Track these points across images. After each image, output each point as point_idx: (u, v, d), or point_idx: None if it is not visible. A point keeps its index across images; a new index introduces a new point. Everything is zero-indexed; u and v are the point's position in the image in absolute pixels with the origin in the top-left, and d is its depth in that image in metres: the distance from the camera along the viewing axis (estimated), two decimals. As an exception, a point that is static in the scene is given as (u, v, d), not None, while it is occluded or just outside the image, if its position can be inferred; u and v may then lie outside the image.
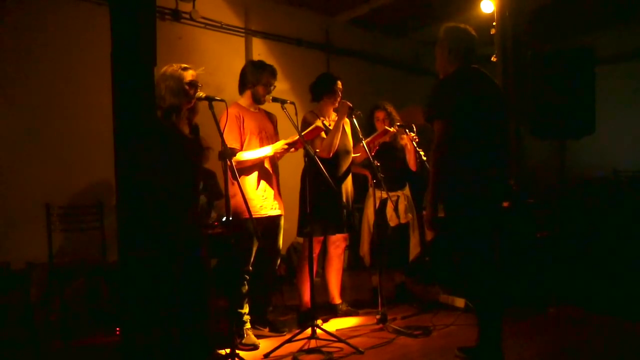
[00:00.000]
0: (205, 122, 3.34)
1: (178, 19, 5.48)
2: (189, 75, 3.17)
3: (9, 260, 4.14)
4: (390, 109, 4.66)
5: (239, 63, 3.94)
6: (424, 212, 3.32)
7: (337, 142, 4.07)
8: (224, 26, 5.89)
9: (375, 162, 4.02)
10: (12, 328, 4.00)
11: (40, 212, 4.16)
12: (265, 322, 3.94)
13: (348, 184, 4.28)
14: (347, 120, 4.21)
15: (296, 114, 3.58)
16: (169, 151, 3.00)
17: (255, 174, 3.73)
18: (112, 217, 4.18)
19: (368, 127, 4.65)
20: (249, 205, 3.24)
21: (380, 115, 4.67)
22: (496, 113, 3.14)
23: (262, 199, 3.73)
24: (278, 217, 3.86)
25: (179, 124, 3.18)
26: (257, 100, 3.81)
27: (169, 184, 2.97)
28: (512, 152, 4.99)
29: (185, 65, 3.20)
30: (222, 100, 3.20)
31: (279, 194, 3.89)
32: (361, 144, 4.07)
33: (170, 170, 2.98)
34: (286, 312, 4.50)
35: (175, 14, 5.45)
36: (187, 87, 3.15)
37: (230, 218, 3.20)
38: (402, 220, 4.55)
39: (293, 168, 4.26)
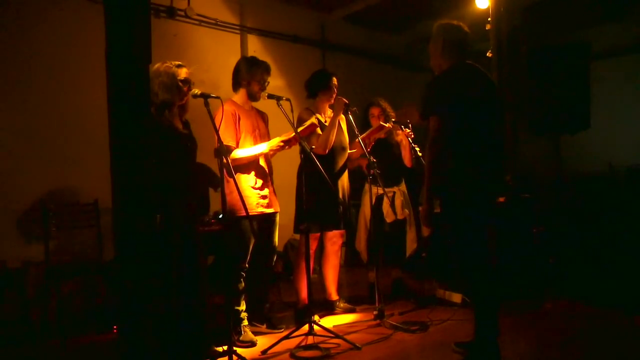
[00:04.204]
0: (201, 119, 3.33)
1: (173, 16, 5.46)
2: (182, 72, 3.19)
3: (5, 258, 4.13)
4: (385, 105, 4.67)
5: (235, 60, 3.93)
6: (421, 208, 3.32)
7: (332, 138, 4.07)
8: (219, 23, 5.87)
9: (372, 157, 4.03)
10: (9, 327, 3.99)
11: (36, 210, 4.15)
12: (262, 318, 3.94)
13: (344, 180, 4.28)
14: (342, 116, 4.21)
15: (292, 110, 3.57)
16: (164, 147, 3.01)
17: (252, 172, 3.74)
18: (108, 215, 4.16)
19: (363, 123, 4.65)
20: (246, 202, 3.24)
21: (375, 111, 4.67)
22: (491, 109, 3.14)
23: (258, 197, 3.73)
24: (274, 214, 3.86)
25: (172, 119, 3.19)
26: (252, 97, 3.80)
27: (164, 181, 2.97)
28: (507, 147, 5.00)
29: (179, 63, 3.22)
30: (217, 97, 3.21)
31: (274, 191, 3.90)
32: (357, 140, 4.08)
33: (165, 167, 2.98)
34: (283, 309, 4.52)
35: (170, 11, 5.44)
36: (180, 84, 3.16)
37: (227, 215, 3.20)
38: (399, 216, 4.56)
39: (289, 165, 4.26)
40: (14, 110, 4.39)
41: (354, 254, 5.18)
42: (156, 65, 3.14)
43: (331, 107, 4.24)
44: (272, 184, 3.92)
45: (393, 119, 4.52)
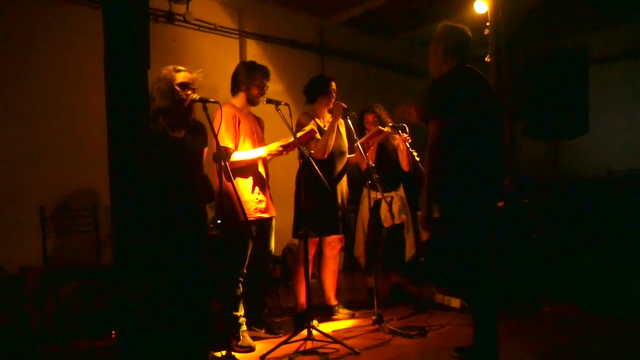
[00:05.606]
0: (200, 124, 3.34)
1: (172, 21, 5.47)
2: (180, 76, 3.16)
3: (3, 264, 4.12)
4: (380, 111, 4.66)
5: (233, 65, 3.93)
6: (419, 213, 3.32)
7: (331, 143, 4.07)
8: (217, 28, 5.88)
9: (370, 162, 4.04)
10: (7, 332, 3.98)
11: (34, 215, 4.14)
12: (261, 323, 3.93)
13: (343, 185, 4.28)
14: (341, 121, 4.21)
15: (290, 115, 3.57)
16: (157, 153, 2.98)
17: (250, 177, 3.73)
18: (107, 219, 4.16)
19: (358, 129, 4.65)
20: (244, 207, 3.23)
21: (369, 117, 4.67)
22: (490, 113, 3.14)
23: (256, 202, 3.72)
24: (270, 219, 3.86)
25: (168, 125, 3.16)
26: (250, 101, 3.80)
27: (161, 185, 2.97)
28: (506, 151, 5.00)
29: (179, 67, 3.19)
30: (216, 102, 3.20)
31: (270, 196, 3.89)
32: (356, 144, 4.09)
33: (161, 172, 2.97)
34: (282, 314, 4.50)
35: (169, 16, 5.44)
36: (177, 88, 3.13)
37: (224, 220, 3.19)
38: (397, 221, 4.55)
39: (288, 169, 4.26)
40: (11, 114, 4.38)
41: (352, 258, 5.18)
42: (158, 71, 3.13)
43: (330, 111, 4.24)
44: (269, 189, 3.91)
45: (390, 124, 4.52)
